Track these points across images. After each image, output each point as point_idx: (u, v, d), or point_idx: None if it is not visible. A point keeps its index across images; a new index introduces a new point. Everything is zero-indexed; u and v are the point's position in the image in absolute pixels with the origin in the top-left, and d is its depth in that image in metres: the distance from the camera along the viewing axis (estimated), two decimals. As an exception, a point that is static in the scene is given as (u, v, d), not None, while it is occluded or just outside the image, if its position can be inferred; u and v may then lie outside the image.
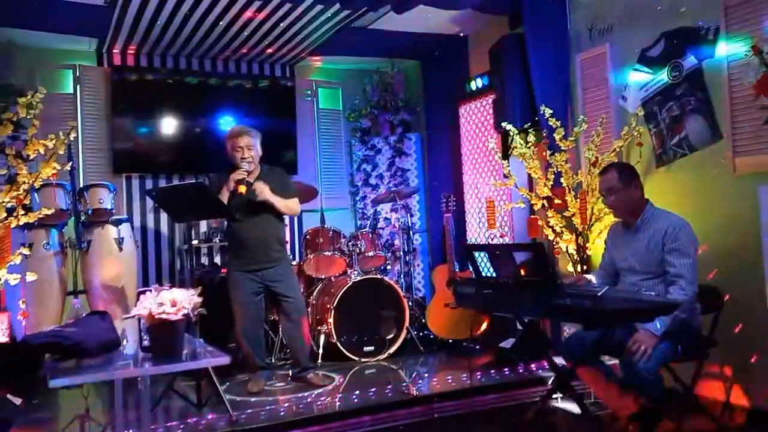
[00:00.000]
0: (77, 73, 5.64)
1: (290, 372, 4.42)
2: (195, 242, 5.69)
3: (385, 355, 4.91)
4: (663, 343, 2.96)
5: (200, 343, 2.49)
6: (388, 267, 5.83)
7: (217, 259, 5.97)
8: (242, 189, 3.95)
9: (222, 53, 6.01)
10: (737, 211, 3.51)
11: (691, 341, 3.09)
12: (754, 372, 3.44)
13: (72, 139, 3.95)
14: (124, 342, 2.42)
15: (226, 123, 6.01)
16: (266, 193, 4.03)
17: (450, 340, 5.16)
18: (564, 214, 4.31)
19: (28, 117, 3.62)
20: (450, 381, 4.17)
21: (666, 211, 3.18)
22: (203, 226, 5.91)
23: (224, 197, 3.99)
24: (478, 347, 4.96)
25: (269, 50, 5.96)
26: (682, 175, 3.88)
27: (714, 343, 3.19)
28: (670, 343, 2.99)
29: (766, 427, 3.20)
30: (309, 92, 6.57)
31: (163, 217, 5.87)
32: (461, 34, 5.85)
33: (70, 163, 4.04)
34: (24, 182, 3.67)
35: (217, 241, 5.75)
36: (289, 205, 4.19)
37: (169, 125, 5.86)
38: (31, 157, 3.89)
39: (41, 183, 4.19)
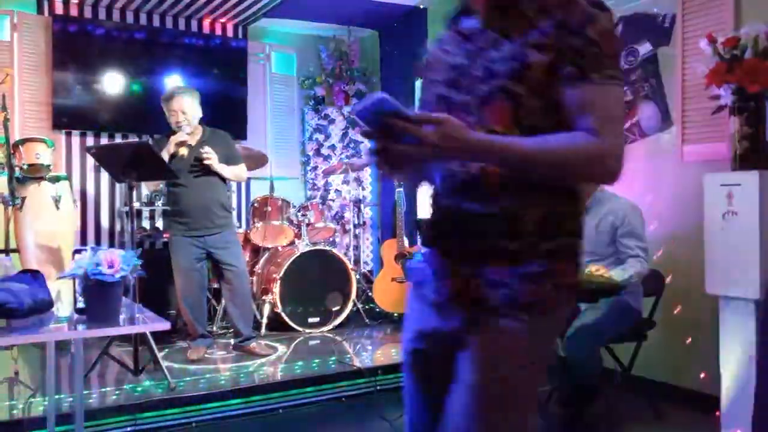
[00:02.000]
0: (15, 20, 5.31)
1: (232, 341, 4.34)
2: (136, 204, 5.49)
3: (330, 327, 4.88)
4: (604, 324, 3.02)
5: (139, 307, 2.39)
6: (337, 239, 5.77)
7: (159, 223, 5.79)
8: (183, 152, 3.85)
9: (172, 9, 5.76)
10: (683, 198, 3.59)
11: (631, 322, 3.16)
12: (690, 354, 3.55)
13: (6, 88, 3.73)
14: (58, 303, 2.29)
15: (174, 82, 5.78)
16: (215, 162, 3.92)
17: (396, 314, 5.17)
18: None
19: (-41, 61, 3.38)
20: (394, 354, 4.17)
21: (616, 194, 3.22)
22: (145, 188, 5.72)
23: (164, 159, 3.85)
24: (422, 322, 4.97)
25: (222, 8, 5.75)
26: (632, 160, 3.93)
27: (653, 325, 3.27)
28: (610, 324, 3.05)
29: (701, 407, 3.31)
30: (262, 55, 6.38)
31: (104, 176, 5.64)
32: (421, 6, 5.76)
33: (4, 114, 3.81)
34: (-48, 131, 3.44)
35: (160, 204, 5.57)
36: (236, 173, 4.11)
37: (113, 82, 5.60)
38: (-39, 105, 3.66)
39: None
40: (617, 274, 2.91)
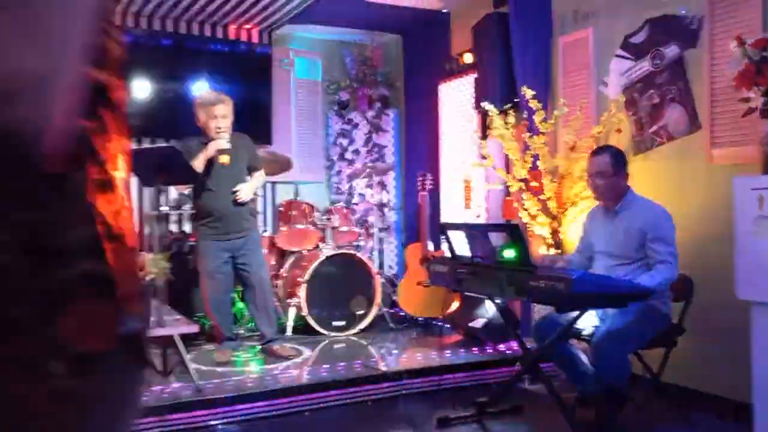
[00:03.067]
0: (46, 28, 5.42)
1: (258, 345, 4.37)
2: (164, 208, 5.57)
3: (355, 331, 4.90)
4: (632, 329, 2.99)
5: (167, 309, 2.43)
6: (361, 243, 5.79)
7: (187, 227, 5.87)
8: (224, 160, 3.88)
9: (198, 15, 5.84)
10: (712, 202, 3.55)
11: (660, 328, 3.13)
12: (720, 360, 3.50)
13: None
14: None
15: (200, 88, 5.86)
16: (247, 196, 4.01)
17: (420, 318, 5.17)
18: (540, 197, 4.31)
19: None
20: (419, 358, 4.17)
21: (646, 198, 3.20)
22: (173, 192, 5.79)
23: (199, 163, 3.89)
24: (448, 326, 4.97)
25: (247, 15, 5.81)
26: (659, 164, 3.90)
27: (682, 331, 3.23)
28: (639, 330, 3.02)
29: (730, 414, 3.26)
30: (286, 61, 6.43)
31: (133, 180, 5.72)
32: (444, 10, 5.77)
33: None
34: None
35: (187, 208, 5.65)
36: (260, 181, 4.23)
37: (141, 88, 5.68)
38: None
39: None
40: (645, 280, 2.88)
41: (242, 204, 4.02)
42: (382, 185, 6.23)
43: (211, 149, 3.90)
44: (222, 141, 3.91)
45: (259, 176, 4.18)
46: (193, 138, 4.05)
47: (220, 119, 3.94)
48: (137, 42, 5.70)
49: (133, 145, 5.76)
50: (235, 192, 3.99)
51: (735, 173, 3.34)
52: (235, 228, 4.02)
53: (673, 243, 3.06)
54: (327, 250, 4.95)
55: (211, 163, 3.94)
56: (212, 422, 3.32)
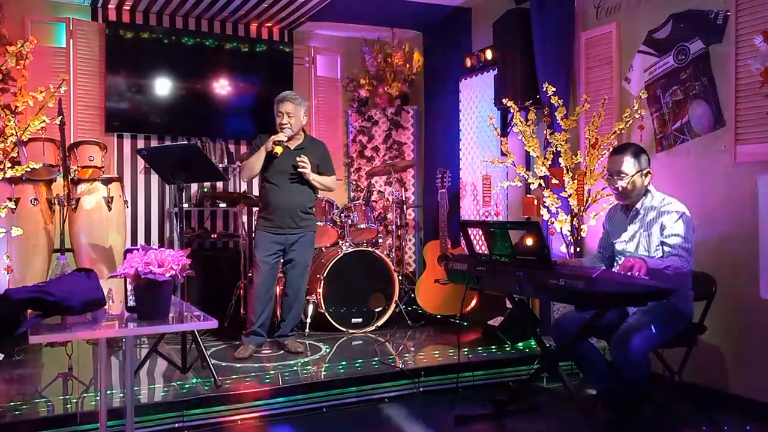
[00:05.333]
0: (71, 27, 5.49)
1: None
2: (185, 206, 5.62)
3: (373, 328, 4.90)
4: (653, 328, 2.94)
5: (187, 305, 2.45)
6: (380, 240, 5.79)
7: (207, 224, 5.92)
8: (278, 150, 4.03)
9: (219, 14, 5.87)
10: (735, 199, 3.48)
11: (681, 327, 3.08)
12: (742, 360, 3.44)
13: (62, 92, 3.86)
14: (109, 301, 2.36)
15: (221, 86, 5.91)
16: (308, 170, 4.12)
17: (438, 316, 5.15)
18: (561, 194, 4.27)
19: (18, 67, 3.53)
20: (437, 356, 4.16)
21: (666, 196, 3.15)
22: (194, 189, 5.84)
23: (261, 156, 4.08)
24: (466, 324, 4.95)
25: (267, 13, 5.83)
26: (681, 161, 3.84)
27: (704, 330, 3.18)
28: (660, 328, 2.97)
29: (752, 415, 3.20)
30: (307, 58, 6.45)
31: (154, 178, 5.79)
32: (465, 6, 5.74)
33: (60, 117, 3.94)
34: (11, 134, 3.58)
35: (208, 205, 5.70)
36: (325, 183, 4.30)
37: (163, 85, 5.74)
38: (20, 109, 3.80)
39: (29, 137, 4.11)
40: (653, 263, 2.82)
41: (301, 182, 4.14)
42: (401, 182, 6.22)
43: (269, 141, 4.07)
44: (281, 135, 4.07)
45: (326, 178, 4.28)
46: (266, 134, 4.21)
47: (284, 116, 4.12)
48: (160, 40, 5.75)
49: (154, 143, 5.82)
50: (293, 184, 4.13)
51: (760, 171, 3.29)
52: (289, 224, 4.15)
53: (687, 239, 2.98)
54: (345, 247, 4.96)
55: (274, 157, 4.07)
56: (230, 418, 3.34)
